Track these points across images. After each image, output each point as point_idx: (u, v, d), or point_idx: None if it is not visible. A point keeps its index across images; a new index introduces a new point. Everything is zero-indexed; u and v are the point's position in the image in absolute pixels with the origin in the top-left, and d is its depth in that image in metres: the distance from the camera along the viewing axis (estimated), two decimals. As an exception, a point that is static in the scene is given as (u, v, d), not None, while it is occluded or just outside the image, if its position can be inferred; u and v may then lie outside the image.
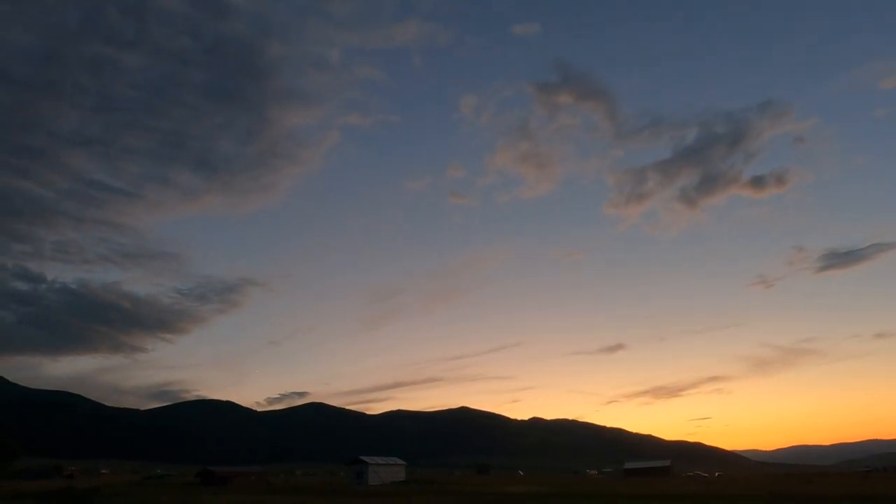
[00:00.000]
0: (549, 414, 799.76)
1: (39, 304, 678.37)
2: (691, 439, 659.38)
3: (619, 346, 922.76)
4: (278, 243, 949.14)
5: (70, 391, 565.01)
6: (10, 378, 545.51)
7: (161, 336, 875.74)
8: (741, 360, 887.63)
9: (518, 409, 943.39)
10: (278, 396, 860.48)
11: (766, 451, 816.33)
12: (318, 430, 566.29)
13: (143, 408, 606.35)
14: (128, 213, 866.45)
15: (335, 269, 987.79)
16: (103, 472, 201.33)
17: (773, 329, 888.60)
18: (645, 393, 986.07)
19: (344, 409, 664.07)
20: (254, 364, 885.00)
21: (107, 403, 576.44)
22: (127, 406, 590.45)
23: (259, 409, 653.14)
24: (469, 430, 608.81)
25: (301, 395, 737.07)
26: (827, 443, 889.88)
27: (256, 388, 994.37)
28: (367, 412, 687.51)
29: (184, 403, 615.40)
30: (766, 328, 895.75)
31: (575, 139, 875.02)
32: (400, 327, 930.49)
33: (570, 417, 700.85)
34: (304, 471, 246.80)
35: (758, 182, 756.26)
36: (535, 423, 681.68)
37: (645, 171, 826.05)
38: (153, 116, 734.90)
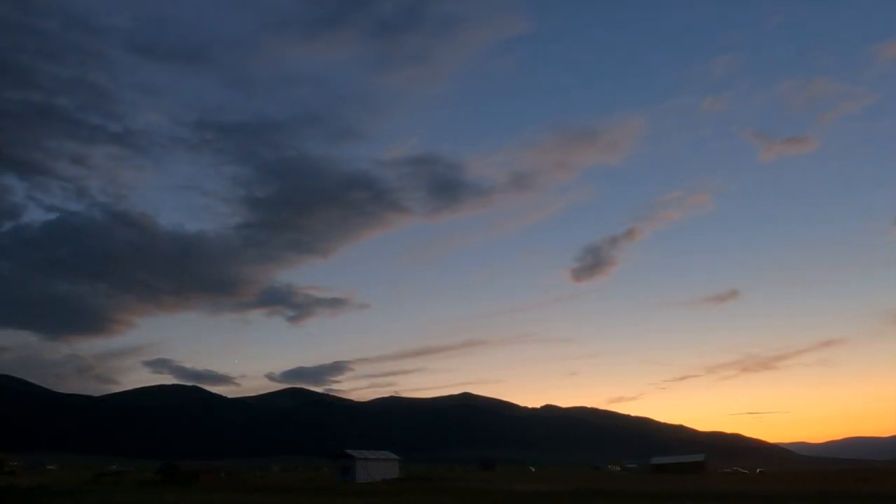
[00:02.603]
0: (602, 394, 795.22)
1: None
2: (728, 430, 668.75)
3: (731, 295, 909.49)
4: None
5: (11, 374, 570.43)
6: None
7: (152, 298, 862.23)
8: (863, 319, 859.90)
9: (568, 383, 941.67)
10: (282, 374, 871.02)
11: (814, 444, 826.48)
12: (298, 419, 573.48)
13: (97, 393, 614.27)
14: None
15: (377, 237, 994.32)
16: (49, 467, 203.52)
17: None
18: (732, 364, 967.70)
19: (328, 394, 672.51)
20: (266, 337, 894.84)
21: (55, 388, 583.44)
22: (78, 391, 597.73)
23: (231, 396, 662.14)
24: (473, 419, 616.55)
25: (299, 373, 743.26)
26: (885, 435, 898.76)
27: (261, 366, 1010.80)
28: (356, 399, 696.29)
29: (145, 389, 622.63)
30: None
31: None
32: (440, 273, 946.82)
33: (609, 400, 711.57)
34: (283, 466, 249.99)
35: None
36: (549, 411, 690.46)
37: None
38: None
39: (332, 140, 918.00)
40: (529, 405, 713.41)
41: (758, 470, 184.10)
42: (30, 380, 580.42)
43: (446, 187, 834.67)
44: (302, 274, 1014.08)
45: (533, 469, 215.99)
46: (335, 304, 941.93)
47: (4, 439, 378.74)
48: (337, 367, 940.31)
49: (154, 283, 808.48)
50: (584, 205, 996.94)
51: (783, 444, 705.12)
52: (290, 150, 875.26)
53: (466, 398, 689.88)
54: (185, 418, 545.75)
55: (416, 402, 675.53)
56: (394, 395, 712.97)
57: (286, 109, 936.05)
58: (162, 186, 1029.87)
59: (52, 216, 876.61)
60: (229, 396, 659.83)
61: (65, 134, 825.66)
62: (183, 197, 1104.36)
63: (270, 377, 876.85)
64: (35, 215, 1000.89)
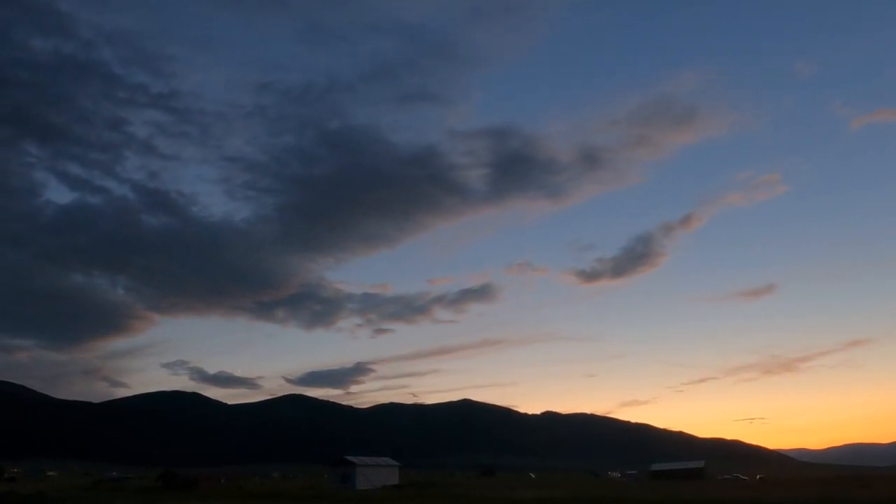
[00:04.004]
0: (616, 398, 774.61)
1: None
2: (729, 436, 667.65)
3: (767, 289, 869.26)
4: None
5: (11, 381, 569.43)
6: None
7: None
8: (890, 320, 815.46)
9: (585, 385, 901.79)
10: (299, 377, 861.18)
11: (814, 450, 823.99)
12: (297, 426, 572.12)
13: (97, 399, 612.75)
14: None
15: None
16: (49, 474, 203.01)
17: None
18: (754, 366, 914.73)
19: (328, 401, 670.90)
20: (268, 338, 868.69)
21: (57, 394, 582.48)
22: (80, 397, 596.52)
23: (236, 402, 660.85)
24: (472, 425, 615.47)
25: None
26: (885, 441, 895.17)
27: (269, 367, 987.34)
28: (364, 404, 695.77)
29: (146, 395, 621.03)
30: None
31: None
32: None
33: (605, 407, 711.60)
34: (282, 473, 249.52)
35: None
36: (549, 417, 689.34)
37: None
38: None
39: (405, 101, 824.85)
40: (531, 411, 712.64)
41: (758, 476, 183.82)
42: (30, 386, 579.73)
43: (514, 163, 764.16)
44: (339, 267, 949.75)
45: (533, 476, 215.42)
46: (366, 299, 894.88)
47: (4, 446, 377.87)
48: (359, 369, 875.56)
49: (181, 275, 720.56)
50: (646, 185, 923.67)
51: (783, 450, 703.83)
52: (355, 118, 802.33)
53: (468, 403, 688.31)
54: (186, 425, 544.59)
55: (417, 408, 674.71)
56: (412, 397, 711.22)
57: (360, 63, 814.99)
58: (205, 160, 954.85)
59: (72, 196, 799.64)
60: (233, 402, 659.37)
61: (100, 93, 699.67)
62: (226, 172, 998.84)
63: (288, 379, 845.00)
64: (55, 193, 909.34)
